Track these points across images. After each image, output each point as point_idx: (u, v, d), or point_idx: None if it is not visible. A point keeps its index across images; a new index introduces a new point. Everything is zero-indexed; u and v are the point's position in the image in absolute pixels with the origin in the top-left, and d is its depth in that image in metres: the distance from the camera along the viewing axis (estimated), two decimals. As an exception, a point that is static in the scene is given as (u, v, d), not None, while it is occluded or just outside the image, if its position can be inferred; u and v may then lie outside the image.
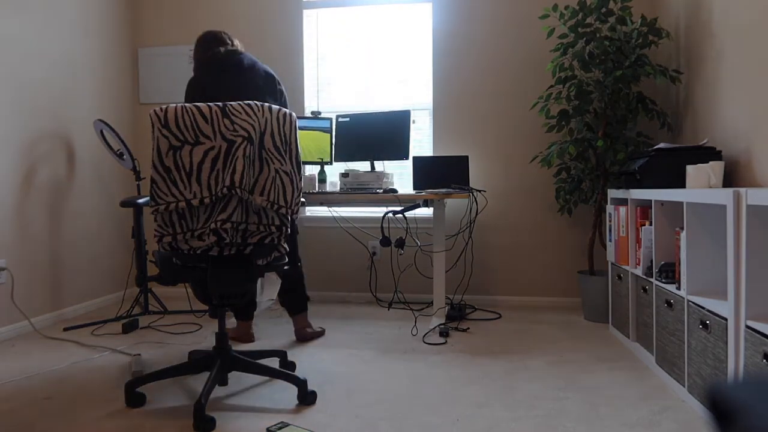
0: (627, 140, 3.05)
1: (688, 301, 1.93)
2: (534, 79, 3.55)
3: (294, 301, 2.78)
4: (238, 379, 2.22)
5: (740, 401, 0.40)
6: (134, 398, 1.96)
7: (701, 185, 2.15)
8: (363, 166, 3.53)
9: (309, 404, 1.96)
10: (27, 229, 3.02)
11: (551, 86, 3.25)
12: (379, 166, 3.59)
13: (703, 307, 1.83)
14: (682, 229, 2.03)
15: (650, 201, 2.34)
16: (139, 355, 2.52)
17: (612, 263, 2.86)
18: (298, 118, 3.47)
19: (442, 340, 2.77)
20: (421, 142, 3.74)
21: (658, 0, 3.35)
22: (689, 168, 2.20)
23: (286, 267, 2.06)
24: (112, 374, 2.30)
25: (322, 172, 3.37)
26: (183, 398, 2.03)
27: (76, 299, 3.39)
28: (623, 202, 2.73)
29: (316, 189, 3.32)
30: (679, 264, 2.04)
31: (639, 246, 2.46)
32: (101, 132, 3.31)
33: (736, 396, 0.40)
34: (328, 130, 3.48)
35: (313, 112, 3.62)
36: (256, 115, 1.80)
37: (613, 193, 2.86)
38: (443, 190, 3.05)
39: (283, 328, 3.05)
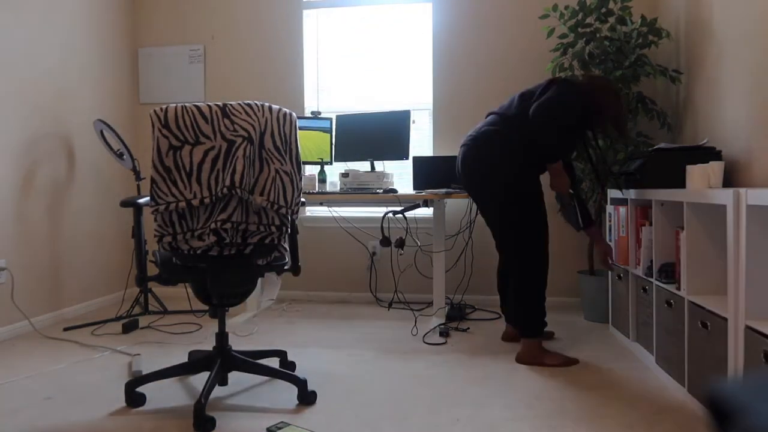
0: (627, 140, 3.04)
1: (688, 301, 1.93)
2: (534, 79, 3.54)
3: (519, 319, 2.39)
4: (238, 379, 2.22)
5: (740, 401, 0.40)
6: (134, 398, 1.96)
7: (701, 185, 2.15)
8: (363, 166, 3.53)
9: (309, 404, 1.96)
10: (27, 229, 3.02)
11: (551, 86, 3.25)
12: (379, 166, 3.59)
13: (703, 307, 1.83)
14: (682, 229, 2.03)
15: (650, 201, 2.34)
16: (139, 355, 2.52)
17: (612, 263, 2.85)
18: (298, 118, 3.47)
19: (442, 340, 2.77)
20: (421, 142, 3.74)
21: (658, 0, 3.35)
22: (689, 168, 2.20)
23: (286, 267, 2.06)
24: (112, 374, 2.30)
25: (322, 172, 3.37)
26: (183, 398, 2.03)
27: (76, 299, 3.39)
28: (623, 202, 2.72)
29: (316, 189, 3.32)
30: (679, 264, 2.04)
31: (639, 246, 2.46)
32: (101, 132, 3.31)
33: (736, 396, 0.40)
34: (328, 130, 3.48)
35: (313, 112, 3.62)
36: (256, 115, 1.80)
37: (613, 193, 2.86)
38: (443, 190, 3.05)
39: (284, 328, 3.05)
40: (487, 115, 2.55)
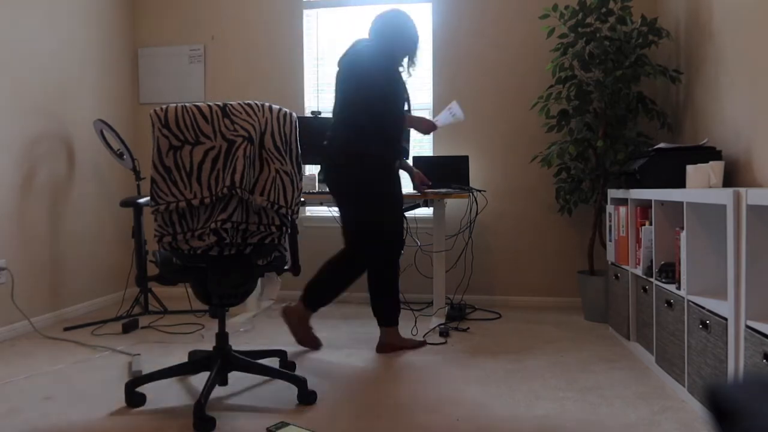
0: (627, 140, 3.04)
1: (688, 301, 1.93)
2: (534, 79, 3.55)
3: (385, 308, 2.58)
4: (238, 379, 2.22)
5: (740, 401, 0.40)
6: (134, 398, 1.96)
7: (701, 185, 2.15)
8: (363, 166, 3.52)
9: (309, 404, 1.96)
10: (27, 229, 3.02)
11: (551, 86, 3.25)
12: (379, 166, 3.58)
13: (703, 307, 1.83)
14: (682, 229, 2.03)
15: (650, 201, 2.34)
16: (139, 355, 2.52)
17: (612, 263, 2.86)
18: (298, 118, 3.47)
19: (442, 340, 2.77)
20: (421, 142, 3.74)
21: (658, 0, 3.35)
22: (689, 168, 2.20)
23: (286, 267, 2.06)
24: (112, 374, 2.30)
25: (322, 172, 3.36)
26: (183, 398, 2.03)
27: (76, 299, 3.39)
28: (623, 202, 2.73)
29: (316, 189, 3.32)
30: (679, 264, 2.04)
31: (639, 246, 2.46)
32: (101, 132, 3.31)
33: (736, 396, 0.40)
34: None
35: (313, 112, 3.62)
36: (256, 115, 1.80)
37: (613, 193, 2.86)
38: (443, 190, 3.05)
39: (284, 328, 3.05)
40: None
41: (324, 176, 2.60)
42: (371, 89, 2.46)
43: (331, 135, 2.56)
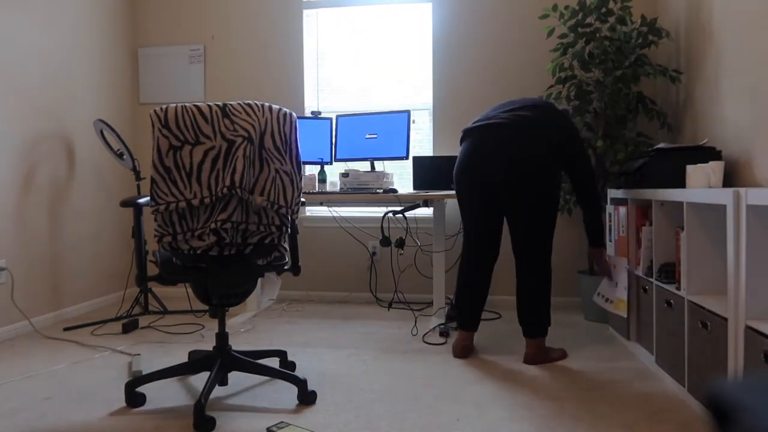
0: (627, 140, 3.04)
1: (688, 301, 1.93)
2: (534, 79, 3.55)
3: (536, 320, 2.40)
4: (238, 379, 2.22)
5: (740, 401, 0.40)
6: (134, 398, 1.96)
7: (701, 185, 2.15)
8: (363, 166, 3.53)
9: (309, 404, 1.96)
10: (27, 229, 3.02)
11: (551, 86, 3.25)
12: (379, 166, 3.59)
13: (703, 307, 1.83)
14: (682, 229, 2.03)
15: (650, 201, 2.34)
16: (139, 355, 2.52)
17: (612, 263, 2.85)
18: (298, 118, 3.47)
19: (442, 340, 2.77)
20: (421, 142, 3.74)
21: (658, 0, 3.35)
22: (689, 168, 2.20)
23: (286, 267, 2.06)
24: (112, 374, 2.30)
25: (322, 172, 3.37)
26: (183, 398, 2.03)
27: (76, 299, 3.39)
28: (623, 202, 2.72)
29: (316, 189, 3.32)
30: (679, 264, 2.04)
31: (639, 246, 2.46)
32: (101, 132, 3.31)
33: (736, 396, 0.40)
34: (328, 130, 3.48)
35: (313, 112, 3.62)
36: (256, 115, 1.80)
37: (613, 193, 2.86)
38: (443, 192, 3.05)
39: (284, 328, 3.05)
40: (497, 107, 2.46)
41: (511, 180, 2.35)
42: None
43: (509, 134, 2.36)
